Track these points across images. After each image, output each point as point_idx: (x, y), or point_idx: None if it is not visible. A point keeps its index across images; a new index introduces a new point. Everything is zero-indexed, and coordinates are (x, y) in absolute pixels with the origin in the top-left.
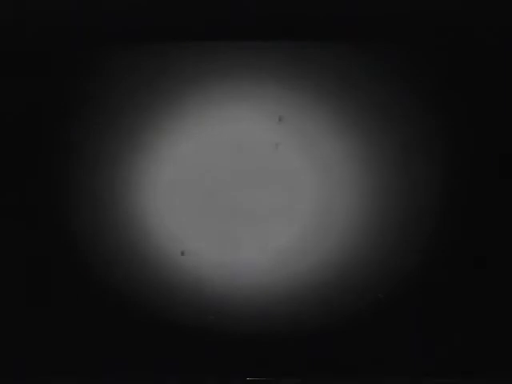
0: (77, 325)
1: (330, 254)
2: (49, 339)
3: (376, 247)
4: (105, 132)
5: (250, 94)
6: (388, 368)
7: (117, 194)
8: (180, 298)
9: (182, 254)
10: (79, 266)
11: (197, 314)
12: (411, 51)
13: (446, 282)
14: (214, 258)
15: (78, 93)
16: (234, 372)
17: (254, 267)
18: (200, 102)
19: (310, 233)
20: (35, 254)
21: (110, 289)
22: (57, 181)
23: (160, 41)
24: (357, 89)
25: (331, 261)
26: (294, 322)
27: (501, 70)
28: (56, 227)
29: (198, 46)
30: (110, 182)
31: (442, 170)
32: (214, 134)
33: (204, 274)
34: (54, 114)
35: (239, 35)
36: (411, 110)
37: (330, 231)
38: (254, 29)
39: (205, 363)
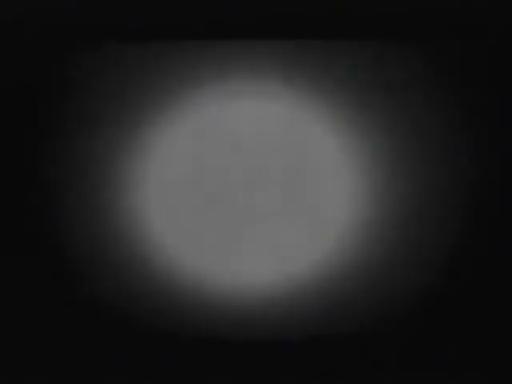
0: (75, 330)
1: (332, 255)
2: (47, 345)
3: (378, 248)
4: (104, 132)
5: (250, 94)
6: (389, 371)
7: (116, 195)
8: (179, 299)
9: None
10: (76, 266)
11: (196, 316)
12: (411, 51)
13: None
14: (214, 258)
15: (78, 92)
16: (234, 373)
17: (254, 268)
18: (200, 102)
19: (311, 234)
20: (30, 256)
21: (109, 292)
22: (55, 182)
23: (160, 41)
24: (357, 88)
25: (333, 263)
26: (295, 324)
27: (501, 70)
28: (53, 228)
29: (198, 46)
30: (109, 182)
31: (442, 173)
32: (214, 133)
33: (204, 275)
34: (53, 114)
35: (239, 35)
36: (412, 110)
37: (332, 233)
38: (254, 29)
39: (204, 365)
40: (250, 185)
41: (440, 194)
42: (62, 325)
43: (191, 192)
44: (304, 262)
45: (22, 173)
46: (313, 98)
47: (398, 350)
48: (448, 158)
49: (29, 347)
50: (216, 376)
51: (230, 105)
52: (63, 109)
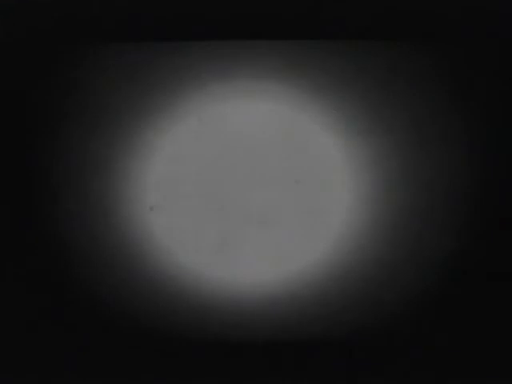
0: (75, 330)
1: (332, 255)
2: (46, 344)
3: (379, 248)
4: (104, 132)
5: (250, 94)
6: (389, 371)
7: (116, 195)
8: (178, 299)
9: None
10: (76, 268)
11: (195, 316)
12: (412, 51)
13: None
14: (214, 258)
15: (78, 92)
16: (233, 373)
17: (254, 268)
18: (200, 102)
19: (311, 234)
20: (29, 256)
21: (109, 292)
22: (54, 182)
23: (160, 41)
24: (357, 88)
25: (333, 263)
26: (295, 324)
27: (501, 70)
28: (53, 228)
29: (198, 45)
30: (109, 182)
31: (442, 173)
32: (214, 133)
33: (203, 275)
34: (53, 114)
35: (239, 35)
36: (412, 110)
37: (332, 232)
38: (254, 29)
39: (203, 365)
40: (250, 184)
41: (440, 194)
42: (61, 325)
43: (191, 192)
44: (304, 261)
45: (21, 173)
46: (313, 98)
47: (398, 350)
48: (448, 158)
49: (29, 347)
50: (215, 376)
51: (231, 105)
52: (63, 109)
